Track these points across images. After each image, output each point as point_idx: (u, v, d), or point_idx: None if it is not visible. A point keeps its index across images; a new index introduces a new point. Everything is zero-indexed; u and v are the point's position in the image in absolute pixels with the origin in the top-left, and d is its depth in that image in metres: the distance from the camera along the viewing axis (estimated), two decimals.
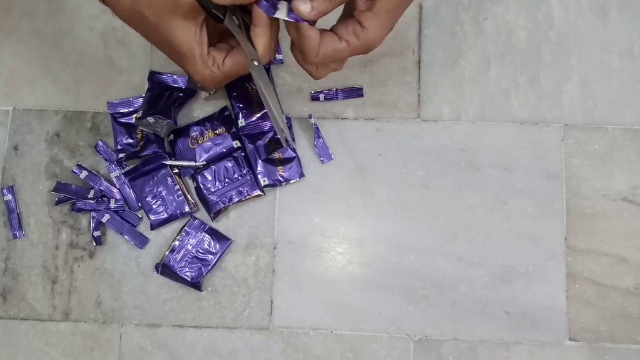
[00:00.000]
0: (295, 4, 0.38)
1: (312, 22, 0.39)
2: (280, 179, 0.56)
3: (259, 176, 0.56)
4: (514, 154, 0.56)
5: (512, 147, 0.56)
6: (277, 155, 0.56)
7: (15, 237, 0.56)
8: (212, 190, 0.56)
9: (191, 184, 0.57)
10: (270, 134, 0.56)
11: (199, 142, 0.57)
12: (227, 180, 0.56)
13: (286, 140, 0.50)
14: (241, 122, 0.56)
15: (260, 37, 0.40)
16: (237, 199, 0.56)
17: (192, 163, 0.56)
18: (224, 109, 0.58)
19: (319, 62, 0.41)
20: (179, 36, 0.41)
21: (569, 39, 0.58)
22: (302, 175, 0.56)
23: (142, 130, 0.57)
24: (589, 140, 0.56)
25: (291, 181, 0.56)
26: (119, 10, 0.42)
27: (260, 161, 0.56)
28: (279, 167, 0.56)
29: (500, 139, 0.57)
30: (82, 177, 0.56)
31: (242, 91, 0.57)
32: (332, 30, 0.42)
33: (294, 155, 0.56)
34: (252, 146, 0.56)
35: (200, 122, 0.57)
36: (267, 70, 0.57)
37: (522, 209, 0.55)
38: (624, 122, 0.57)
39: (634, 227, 0.55)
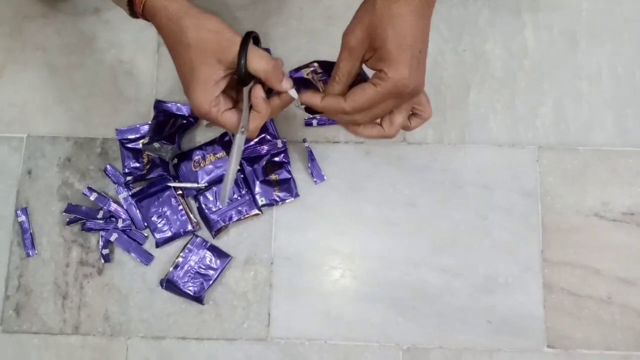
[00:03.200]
0: (303, 98, 0.46)
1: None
2: (277, 198, 0.60)
3: (257, 196, 0.60)
4: (493, 173, 0.61)
5: (492, 167, 0.61)
6: (273, 177, 0.60)
7: (28, 255, 0.60)
8: (213, 209, 0.60)
9: (194, 204, 0.61)
10: (267, 157, 0.61)
11: (201, 165, 0.61)
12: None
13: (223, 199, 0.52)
14: None
15: (255, 119, 0.47)
16: (236, 218, 0.60)
17: (195, 185, 0.60)
18: (224, 134, 0.62)
19: (351, 111, 0.44)
20: (204, 68, 0.44)
21: (542, 67, 0.63)
22: (297, 195, 0.60)
23: (148, 155, 0.61)
24: (562, 161, 0.61)
25: (287, 201, 0.60)
26: (157, 20, 0.45)
27: (258, 182, 0.60)
28: (275, 188, 0.60)
29: (480, 159, 0.61)
30: (92, 199, 0.60)
31: None
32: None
33: (290, 176, 0.61)
34: (250, 168, 0.61)
35: (202, 147, 0.61)
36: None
37: (501, 224, 0.59)
38: (594, 143, 0.61)
39: (605, 240, 0.59)
